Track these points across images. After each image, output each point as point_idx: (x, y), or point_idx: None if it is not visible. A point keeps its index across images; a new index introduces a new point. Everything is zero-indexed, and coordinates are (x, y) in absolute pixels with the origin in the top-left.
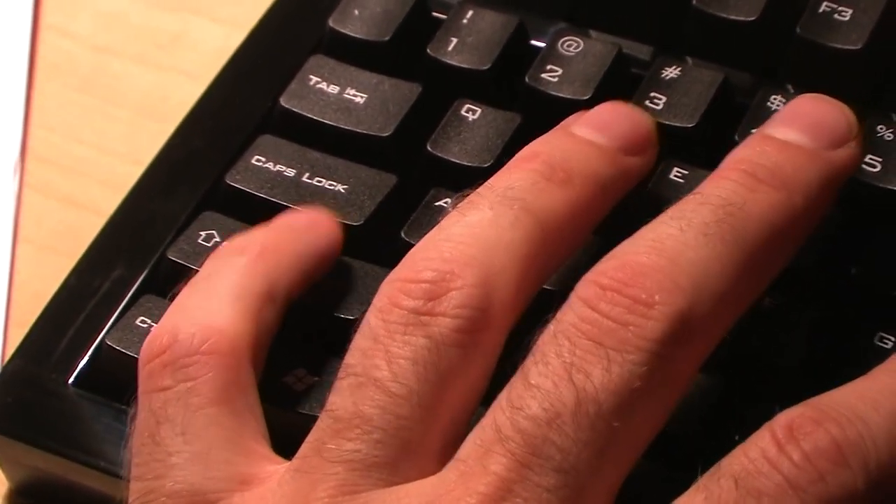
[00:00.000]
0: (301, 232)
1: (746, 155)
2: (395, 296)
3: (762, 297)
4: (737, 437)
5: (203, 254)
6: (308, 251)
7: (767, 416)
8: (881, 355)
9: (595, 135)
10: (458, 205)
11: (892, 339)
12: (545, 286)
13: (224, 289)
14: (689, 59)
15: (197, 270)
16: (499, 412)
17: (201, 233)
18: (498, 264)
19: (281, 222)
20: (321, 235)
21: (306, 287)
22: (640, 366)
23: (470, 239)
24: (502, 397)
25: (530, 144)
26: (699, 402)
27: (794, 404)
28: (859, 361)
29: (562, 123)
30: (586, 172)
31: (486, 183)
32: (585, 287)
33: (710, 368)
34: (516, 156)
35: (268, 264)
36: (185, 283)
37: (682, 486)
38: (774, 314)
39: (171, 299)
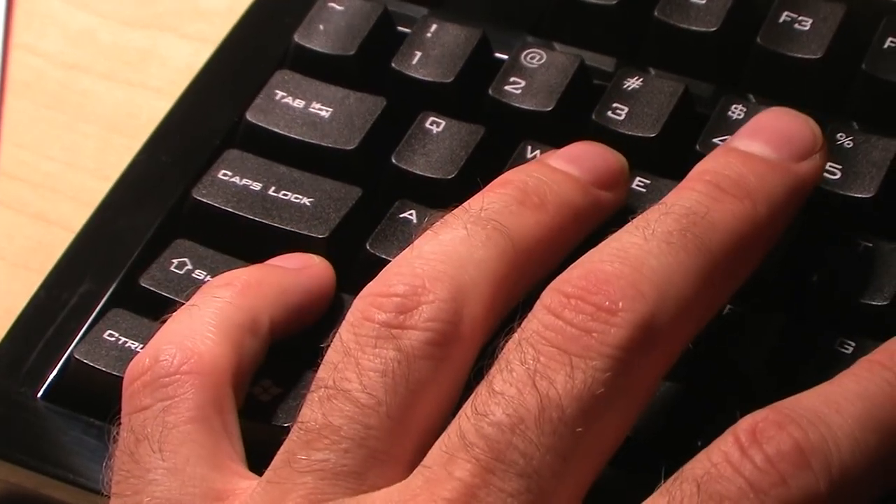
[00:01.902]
0: (289, 270)
1: (711, 166)
2: (366, 310)
3: (725, 303)
4: (699, 444)
5: (175, 281)
6: (295, 287)
7: (731, 421)
8: (843, 361)
9: (569, 166)
10: (432, 225)
11: (853, 344)
12: None
13: (207, 318)
14: (652, 70)
15: (172, 299)
16: (464, 419)
17: (174, 260)
18: (469, 280)
19: (270, 261)
20: (312, 276)
21: (297, 323)
22: (604, 372)
23: (442, 256)
24: (467, 405)
25: (505, 173)
26: (663, 408)
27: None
28: (821, 368)
29: (537, 158)
30: (559, 199)
31: (461, 205)
32: (550, 295)
33: (673, 375)
34: (491, 182)
35: (250, 297)
36: (170, 314)
37: (647, 492)
38: (737, 321)
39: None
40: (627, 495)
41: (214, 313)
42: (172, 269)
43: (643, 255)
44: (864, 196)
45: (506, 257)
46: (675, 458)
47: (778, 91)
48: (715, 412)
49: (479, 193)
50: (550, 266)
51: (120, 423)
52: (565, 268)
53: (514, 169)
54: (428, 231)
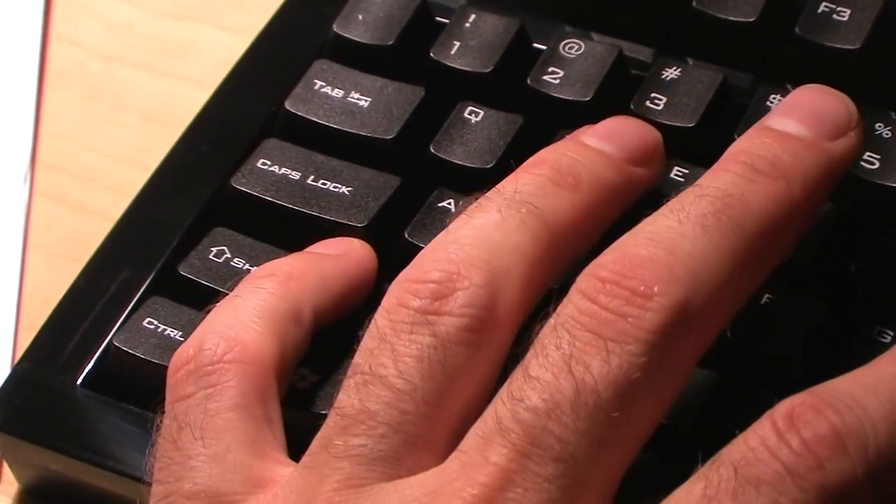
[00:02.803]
0: (330, 257)
1: (745, 147)
2: (402, 296)
3: (762, 291)
4: (736, 431)
5: (214, 269)
6: (337, 275)
7: (768, 407)
8: (879, 349)
9: (603, 144)
10: (467, 208)
11: (891, 333)
12: None
13: (250, 309)
14: (690, 60)
15: (211, 288)
16: (500, 404)
17: (212, 248)
18: (504, 265)
19: (310, 248)
20: (352, 260)
21: (341, 310)
22: (639, 356)
23: (476, 241)
24: (503, 390)
25: (538, 152)
26: (699, 395)
27: None
28: (858, 356)
29: (570, 134)
30: (594, 178)
31: (494, 187)
32: (585, 280)
33: (709, 362)
34: (525, 163)
35: (293, 287)
36: (213, 305)
37: (682, 479)
38: (774, 308)
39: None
40: (662, 482)
41: (258, 304)
42: (211, 257)
43: (678, 239)
44: None
45: (541, 240)
46: (711, 445)
47: (816, 80)
48: (749, 400)
49: (513, 174)
50: (586, 246)
51: (163, 412)
52: (602, 246)
53: (548, 148)
54: (462, 215)
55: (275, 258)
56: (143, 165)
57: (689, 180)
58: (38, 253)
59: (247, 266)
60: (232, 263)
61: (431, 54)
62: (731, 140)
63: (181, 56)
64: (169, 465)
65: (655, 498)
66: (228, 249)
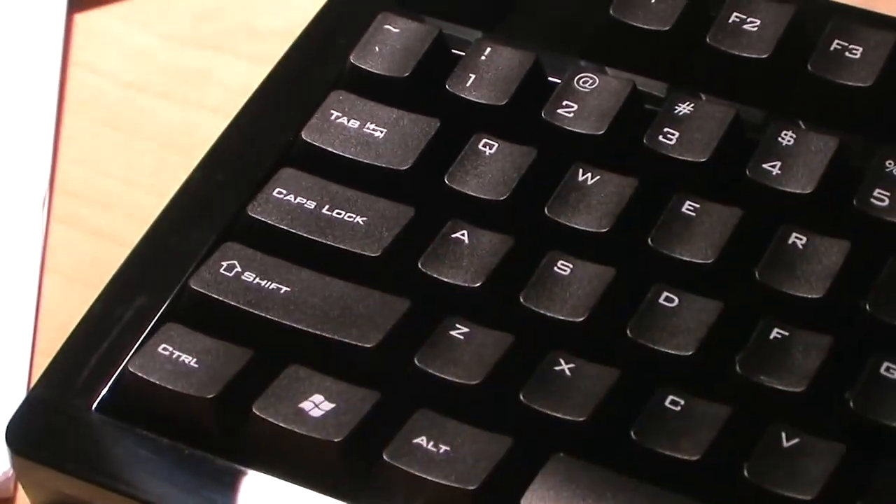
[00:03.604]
0: None
1: None
2: None
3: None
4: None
5: (224, 283)
6: None
7: (776, 440)
8: (887, 385)
9: None
10: None
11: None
12: None
13: None
14: (703, 96)
15: (225, 303)
16: None
17: (223, 263)
18: None
19: None
20: None
21: None
22: None
23: None
24: None
25: None
26: (707, 428)
27: (801, 429)
28: (868, 391)
29: None
30: None
31: None
32: None
33: (719, 397)
34: None
35: None
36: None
37: None
38: (784, 342)
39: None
40: None
41: None
42: (222, 271)
43: None
44: None
45: None
46: (722, 477)
47: (827, 117)
48: (759, 431)
49: None
50: None
51: None
52: None
53: None
54: None
55: (285, 274)
56: (159, 192)
57: (700, 215)
58: (55, 278)
59: (257, 280)
60: (243, 277)
61: (447, 86)
62: (743, 175)
63: (199, 84)
64: None
65: None
66: (239, 264)
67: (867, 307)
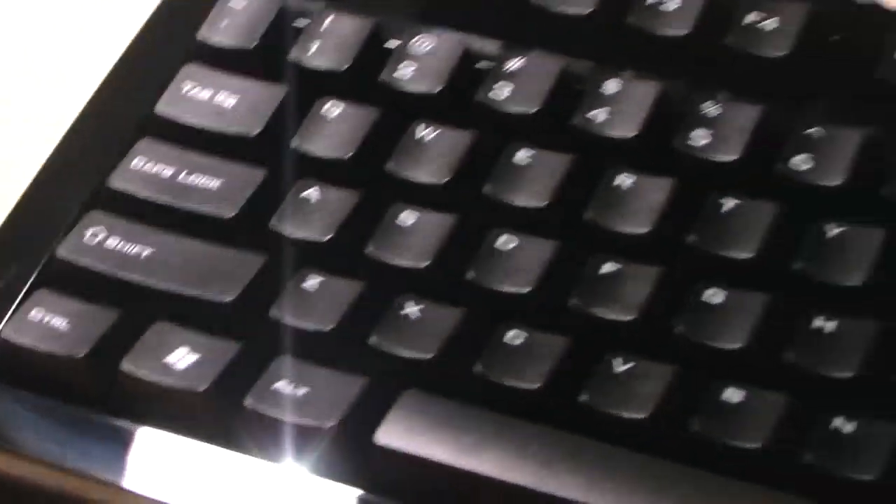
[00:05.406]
0: None
1: None
2: None
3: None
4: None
5: (89, 250)
6: None
7: (610, 366)
8: (711, 310)
9: None
10: None
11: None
12: None
13: None
14: (533, 52)
15: (88, 269)
16: None
17: (87, 231)
18: None
19: None
20: None
21: None
22: None
23: None
24: None
25: None
26: (548, 359)
27: (634, 355)
28: (692, 316)
29: None
30: None
31: None
32: None
33: (558, 330)
34: None
35: None
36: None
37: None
38: (615, 276)
39: None
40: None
41: None
42: (85, 240)
43: None
44: None
45: None
46: (563, 405)
47: (648, 65)
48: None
49: None
50: None
51: None
52: None
53: None
54: None
55: (147, 238)
56: (26, 167)
57: (533, 163)
58: None
59: (120, 245)
60: (106, 244)
61: (291, 55)
62: (567, 126)
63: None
64: None
65: None
66: (103, 231)
67: (691, 239)
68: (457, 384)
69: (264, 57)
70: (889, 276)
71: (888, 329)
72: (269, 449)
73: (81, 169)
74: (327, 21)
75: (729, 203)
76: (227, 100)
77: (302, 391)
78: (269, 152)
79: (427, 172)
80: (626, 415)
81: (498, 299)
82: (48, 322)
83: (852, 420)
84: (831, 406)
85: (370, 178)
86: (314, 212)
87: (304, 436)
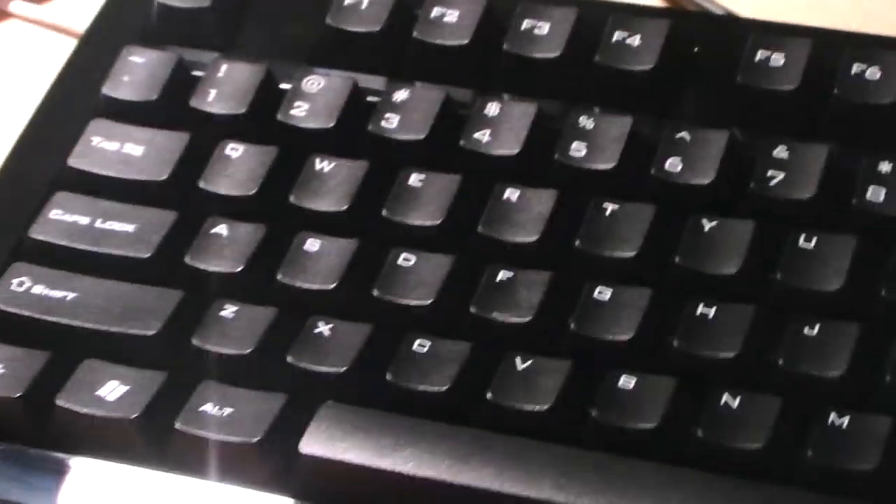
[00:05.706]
0: None
1: None
2: None
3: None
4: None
5: (17, 298)
6: None
7: (512, 364)
8: (600, 306)
9: None
10: None
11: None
12: None
13: None
14: (418, 84)
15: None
16: None
17: (13, 281)
18: None
19: None
20: None
21: None
22: None
23: None
24: None
25: None
26: (452, 363)
27: (533, 353)
28: (584, 313)
29: None
30: None
31: None
32: None
33: (460, 336)
34: None
35: None
36: None
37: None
38: (510, 282)
39: None
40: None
41: None
42: (12, 288)
43: None
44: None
45: None
46: (471, 404)
47: (527, 89)
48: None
49: None
50: None
51: None
52: None
53: None
54: None
55: (70, 283)
56: None
57: (426, 185)
58: None
59: (46, 291)
60: (32, 291)
61: (191, 103)
62: (457, 147)
63: None
64: None
65: None
66: (28, 280)
67: (578, 243)
68: (371, 393)
69: (167, 107)
70: (761, 263)
71: (763, 312)
72: (201, 467)
73: (2, 222)
74: (223, 69)
75: (611, 207)
76: (135, 149)
77: (227, 411)
78: (179, 194)
79: (328, 202)
80: (528, 408)
81: (403, 312)
82: None
83: (736, 397)
84: (717, 384)
85: (275, 211)
86: (225, 246)
87: (233, 452)
